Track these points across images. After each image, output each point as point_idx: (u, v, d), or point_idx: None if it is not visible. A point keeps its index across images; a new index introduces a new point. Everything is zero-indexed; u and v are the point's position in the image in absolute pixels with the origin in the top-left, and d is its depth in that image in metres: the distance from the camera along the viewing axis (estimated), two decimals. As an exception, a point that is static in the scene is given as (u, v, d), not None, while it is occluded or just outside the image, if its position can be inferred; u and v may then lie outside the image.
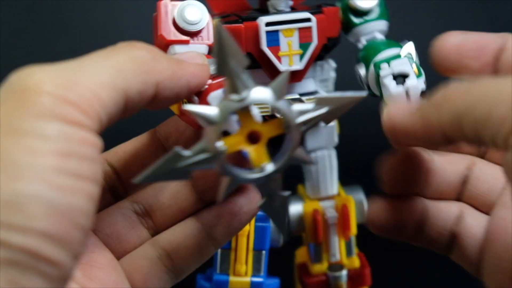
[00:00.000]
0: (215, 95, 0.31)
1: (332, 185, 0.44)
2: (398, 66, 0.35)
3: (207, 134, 0.29)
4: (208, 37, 0.36)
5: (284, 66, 0.38)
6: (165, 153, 0.32)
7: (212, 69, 0.32)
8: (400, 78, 0.35)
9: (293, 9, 0.39)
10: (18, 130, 0.23)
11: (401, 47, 0.37)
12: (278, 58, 0.37)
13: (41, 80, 0.24)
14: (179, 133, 0.35)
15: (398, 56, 0.36)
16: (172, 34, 0.35)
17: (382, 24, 0.41)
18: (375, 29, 0.40)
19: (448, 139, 0.27)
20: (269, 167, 0.30)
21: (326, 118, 0.31)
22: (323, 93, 0.40)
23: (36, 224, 0.21)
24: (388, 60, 0.36)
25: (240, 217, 0.33)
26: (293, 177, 0.39)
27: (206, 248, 0.33)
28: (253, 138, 0.30)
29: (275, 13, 0.38)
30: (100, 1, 0.69)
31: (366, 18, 0.40)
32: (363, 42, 0.40)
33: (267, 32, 0.37)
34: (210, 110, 0.29)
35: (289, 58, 0.38)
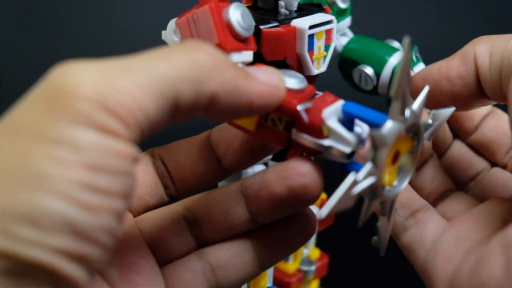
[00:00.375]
0: (331, 112, 0.29)
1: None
2: None
3: (379, 157, 0.27)
4: (253, 42, 0.32)
5: (315, 70, 0.36)
6: (215, 160, 0.32)
7: (294, 83, 0.29)
8: None
9: (300, 10, 0.37)
10: (46, 136, 0.21)
11: (394, 49, 0.40)
12: (312, 61, 0.36)
13: (81, 82, 0.21)
14: (228, 143, 0.32)
15: (413, 62, 0.39)
16: (231, 41, 0.30)
17: (349, 20, 0.43)
18: (346, 25, 0.42)
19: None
20: (403, 185, 0.30)
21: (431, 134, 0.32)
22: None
23: (52, 241, 0.20)
24: (412, 66, 0.38)
25: (293, 243, 0.32)
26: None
27: (253, 269, 0.32)
28: (395, 156, 0.29)
29: (291, 15, 0.36)
30: (100, 1, 0.64)
31: (343, 16, 0.41)
32: (337, 37, 0.41)
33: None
34: (378, 134, 0.27)
35: (318, 61, 0.36)
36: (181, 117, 0.24)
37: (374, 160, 0.27)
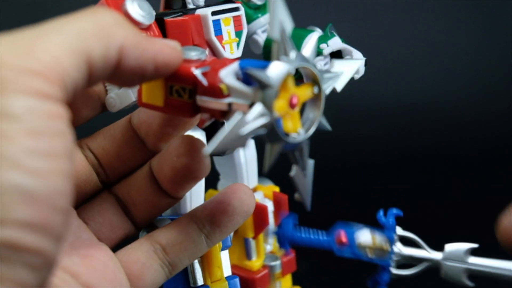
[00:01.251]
0: (228, 72, 0.30)
1: (255, 178, 0.45)
2: (337, 45, 0.40)
3: (266, 97, 0.28)
4: (157, 30, 0.34)
5: (227, 54, 0.38)
6: (139, 142, 0.34)
7: (193, 54, 0.30)
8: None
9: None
10: None
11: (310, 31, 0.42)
12: (223, 47, 0.37)
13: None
14: (147, 125, 0.34)
15: (328, 37, 0.40)
16: None
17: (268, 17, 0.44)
18: (266, 21, 0.44)
19: None
20: (310, 131, 0.30)
21: (338, 83, 0.32)
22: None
23: (14, 215, 0.20)
24: (326, 41, 0.40)
25: (233, 217, 0.33)
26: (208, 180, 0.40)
27: (200, 245, 0.34)
28: (292, 101, 0.30)
29: (198, 7, 0.38)
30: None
31: (261, 12, 0.43)
32: (259, 34, 0.43)
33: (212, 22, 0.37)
34: (262, 74, 0.28)
35: (230, 46, 0.38)
36: (95, 75, 0.25)
37: (263, 101, 0.27)
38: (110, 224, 0.35)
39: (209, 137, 0.39)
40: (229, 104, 0.29)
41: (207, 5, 0.38)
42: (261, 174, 0.47)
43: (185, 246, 0.33)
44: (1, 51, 0.22)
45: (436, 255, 0.42)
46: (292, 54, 0.29)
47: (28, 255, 0.21)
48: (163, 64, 0.28)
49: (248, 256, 0.45)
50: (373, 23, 0.79)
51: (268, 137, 0.28)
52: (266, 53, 0.43)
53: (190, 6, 0.38)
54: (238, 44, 0.38)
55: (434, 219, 0.69)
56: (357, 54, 0.40)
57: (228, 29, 0.38)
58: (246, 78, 0.30)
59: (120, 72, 0.26)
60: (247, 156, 0.44)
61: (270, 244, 0.46)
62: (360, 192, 0.66)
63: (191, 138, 0.33)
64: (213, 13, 0.37)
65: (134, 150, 0.35)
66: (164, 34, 0.35)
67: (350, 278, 0.54)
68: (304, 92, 0.30)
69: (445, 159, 0.79)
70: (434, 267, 0.42)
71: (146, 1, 0.33)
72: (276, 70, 0.28)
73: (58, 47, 0.23)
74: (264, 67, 0.29)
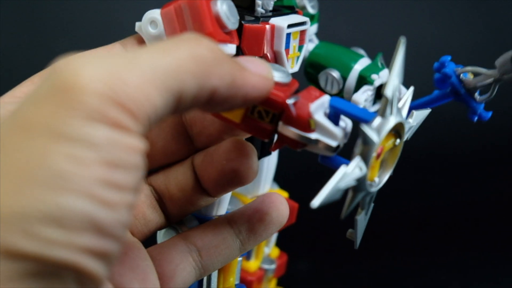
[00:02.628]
0: (318, 106, 0.30)
1: (270, 182, 0.45)
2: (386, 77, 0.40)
3: (368, 152, 0.28)
4: (236, 36, 0.33)
5: (289, 69, 0.37)
6: (187, 138, 0.34)
7: (279, 76, 0.30)
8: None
9: (273, 10, 0.38)
10: (62, 134, 0.20)
11: (359, 55, 0.42)
12: (287, 60, 0.37)
13: (90, 76, 0.21)
14: (204, 126, 0.34)
15: (378, 68, 0.40)
16: (219, 33, 0.31)
17: (316, 27, 0.44)
18: (313, 32, 0.43)
19: None
20: (383, 180, 0.31)
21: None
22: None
23: (79, 241, 0.20)
24: (377, 72, 0.40)
25: (269, 227, 0.34)
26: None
27: (234, 250, 0.34)
28: (379, 152, 0.30)
29: (266, 12, 0.37)
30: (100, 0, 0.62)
31: (312, 21, 0.43)
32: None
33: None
34: (370, 131, 0.28)
35: (292, 60, 0.37)
36: (181, 110, 0.25)
37: (363, 155, 0.28)
38: (144, 218, 0.34)
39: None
40: (314, 140, 0.29)
41: (275, 11, 0.37)
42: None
43: (220, 250, 0.33)
44: (92, 76, 0.21)
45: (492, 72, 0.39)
46: (395, 111, 0.29)
47: (85, 278, 0.21)
48: (253, 98, 0.27)
49: (247, 257, 0.45)
50: (373, 23, 0.79)
51: (356, 188, 0.28)
52: (309, 64, 0.42)
53: (259, 8, 0.37)
54: (297, 59, 0.38)
55: (436, 219, 0.71)
56: (404, 89, 0.41)
57: (294, 43, 0.37)
58: (333, 115, 0.30)
59: (207, 107, 0.26)
60: (270, 161, 0.44)
61: (269, 247, 0.47)
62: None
63: (242, 143, 0.32)
64: (289, 26, 0.36)
65: (180, 146, 0.34)
66: (239, 36, 0.34)
67: (350, 278, 0.55)
68: (387, 142, 0.31)
69: (445, 159, 0.81)
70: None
71: (235, 6, 0.32)
72: (382, 128, 0.28)
73: (151, 83, 0.22)
74: (360, 113, 0.29)
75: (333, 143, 0.29)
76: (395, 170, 0.32)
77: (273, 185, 0.47)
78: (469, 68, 0.39)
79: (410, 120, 0.32)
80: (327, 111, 0.30)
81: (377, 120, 0.28)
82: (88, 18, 0.69)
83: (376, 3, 0.78)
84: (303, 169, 0.47)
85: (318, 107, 0.29)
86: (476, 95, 0.40)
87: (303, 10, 0.42)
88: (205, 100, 0.25)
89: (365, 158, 0.27)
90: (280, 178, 0.47)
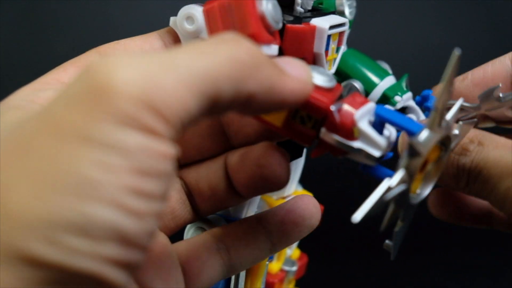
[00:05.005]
0: (363, 114, 0.29)
1: (296, 183, 0.44)
2: (408, 100, 0.40)
3: (413, 165, 0.27)
4: (278, 37, 0.32)
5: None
6: (223, 136, 0.33)
7: (323, 80, 0.29)
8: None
9: (314, 10, 0.37)
10: (92, 139, 0.20)
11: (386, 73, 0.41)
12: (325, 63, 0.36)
13: (125, 79, 0.20)
14: (241, 126, 0.33)
15: (403, 90, 0.40)
16: (263, 33, 0.30)
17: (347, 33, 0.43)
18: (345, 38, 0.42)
19: None
20: (425, 192, 0.30)
21: None
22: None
23: (102, 250, 0.20)
24: (402, 94, 0.39)
25: (301, 229, 0.33)
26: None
27: (263, 251, 0.33)
28: (424, 165, 0.30)
29: (304, 12, 0.36)
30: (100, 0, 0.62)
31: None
32: None
33: (326, 36, 0.35)
34: (418, 143, 0.27)
35: (329, 63, 0.36)
36: (216, 114, 0.24)
37: (408, 168, 0.27)
38: (172, 213, 0.34)
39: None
40: (357, 149, 0.28)
41: (314, 11, 0.36)
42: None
43: (250, 250, 0.33)
44: (127, 79, 0.20)
45: None
46: (443, 124, 0.28)
47: (104, 287, 0.20)
48: (291, 103, 0.26)
49: (270, 258, 0.45)
50: (374, 23, 0.79)
51: (397, 200, 0.28)
52: (335, 70, 0.42)
53: (298, 7, 0.36)
54: (334, 61, 0.37)
55: (436, 219, 0.71)
56: (422, 115, 0.40)
57: (333, 45, 0.36)
58: (377, 123, 0.29)
59: (243, 111, 0.26)
60: (298, 163, 0.43)
61: (291, 249, 0.47)
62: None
63: (275, 149, 0.32)
64: (330, 27, 0.35)
65: (215, 143, 0.34)
66: (281, 37, 0.33)
67: (350, 278, 0.55)
68: (434, 155, 0.30)
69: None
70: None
71: (279, 6, 0.31)
72: (429, 141, 0.27)
73: (187, 88, 0.21)
74: (407, 124, 0.28)
75: (376, 153, 0.28)
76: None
77: (297, 186, 0.46)
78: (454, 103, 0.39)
79: (456, 131, 0.31)
80: (372, 118, 0.29)
81: (425, 133, 0.27)
82: (88, 18, 0.68)
83: (375, 3, 0.77)
84: (324, 169, 0.46)
85: (363, 114, 0.29)
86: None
87: (341, 15, 0.41)
88: (241, 104, 0.24)
89: (410, 172, 0.27)
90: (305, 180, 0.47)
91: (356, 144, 0.28)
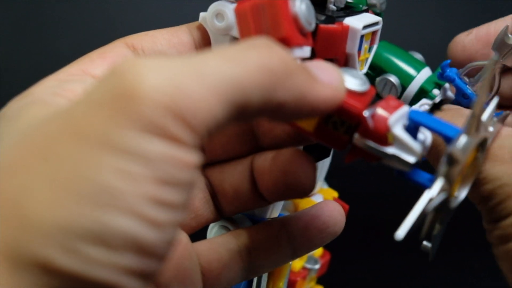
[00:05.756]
0: (396, 119, 0.28)
1: (322, 180, 0.44)
2: (449, 92, 0.39)
3: (452, 174, 0.26)
4: (311, 38, 0.31)
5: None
6: (251, 135, 0.32)
7: (357, 83, 0.28)
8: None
9: (346, 8, 0.36)
10: (114, 145, 0.19)
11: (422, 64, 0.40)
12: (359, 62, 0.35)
13: (150, 85, 0.20)
14: (271, 127, 0.32)
15: (441, 82, 0.39)
16: (296, 36, 0.29)
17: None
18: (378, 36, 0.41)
19: None
20: (462, 194, 0.30)
21: None
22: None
23: (120, 261, 0.19)
24: (439, 87, 0.39)
25: (324, 235, 0.33)
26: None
27: (285, 255, 0.33)
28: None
29: (337, 10, 0.35)
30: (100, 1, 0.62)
31: None
32: None
33: (359, 36, 0.34)
34: (456, 150, 0.26)
35: (361, 63, 0.35)
36: (244, 121, 0.24)
37: (447, 176, 0.26)
38: (195, 212, 0.33)
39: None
40: (391, 155, 0.27)
41: (347, 11, 0.35)
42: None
43: (271, 253, 0.32)
44: (154, 85, 0.20)
45: None
46: (481, 128, 0.27)
47: None
48: (322, 110, 0.26)
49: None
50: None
51: (438, 208, 0.27)
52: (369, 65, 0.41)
53: (331, 5, 0.34)
54: (367, 61, 0.36)
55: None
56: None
57: (366, 44, 0.35)
58: (412, 128, 0.28)
59: (272, 118, 0.25)
60: (324, 161, 0.42)
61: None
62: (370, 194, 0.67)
63: (302, 155, 0.31)
64: (363, 27, 0.34)
65: (243, 143, 0.33)
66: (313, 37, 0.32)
67: (372, 276, 0.55)
68: (471, 156, 0.29)
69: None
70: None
71: (312, 7, 0.30)
72: (467, 147, 0.26)
73: (215, 95, 0.20)
74: (444, 129, 0.27)
75: (411, 159, 0.27)
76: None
77: (323, 184, 0.46)
78: (469, 64, 0.38)
79: (491, 129, 0.30)
80: (406, 123, 0.28)
81: (463, 139, 0.26)
82: (88, 18, 0.68)
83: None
84: (349, 166, 0.46)
85: (397, 119, 0.28)
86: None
87: (372, 8, 0.39)
88: (271, 112, 0.23)
89: (450, 180, 0.26)
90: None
91: (390, 150, 0.27)
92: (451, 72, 0.38)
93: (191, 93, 0.20)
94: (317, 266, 0.45)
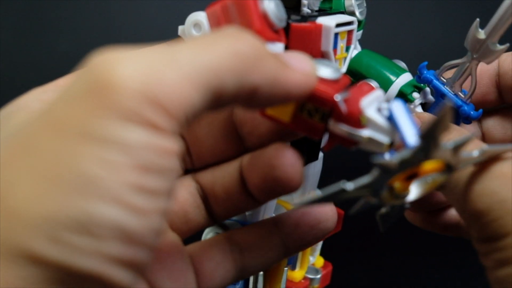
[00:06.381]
0: (369, 101, 0.28)
1: (315, 188, 0.44)
2: (430, 95, 0.39)
3: (377, 178, 0.26)
4: (283, 35, 0.32)
5: (337, 70, 0.36)
6: (237, 137, 0.33)
7: (329, 72, 0.29)
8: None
9: (321, 11, 0.37)
10: (93, 135, 0.19)
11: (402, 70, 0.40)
12: (335, 61, 0.36)
13: (126, 74, 0.20)
14: (254, 126, 0.32)
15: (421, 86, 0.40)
16: (267, 31, 0.30)
17: (360, 34, 0.43)
18: (357, 38, 0.42)
19: None
20: (411, 197, 0.28)
21: None
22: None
23: (105, 250, 0.19)
24: (419, 90, 0.39)
25: (316, 232, 0.33)
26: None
27: (277, 253, 0.33)
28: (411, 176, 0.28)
29: (313, 13, 0.36)
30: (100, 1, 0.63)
31: (358, 27, 0.41)
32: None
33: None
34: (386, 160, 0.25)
35: (339, 62, 0.36)
36: (220, 107, 0.24)
37: (373, 181, 0.26)
38: (185, 216, 0.33)
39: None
40: (366, 138, 0.28)
41: (321, 11, 0.36)
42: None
43: (264, 252, 0.32)
44: (129, 74, 0.20)
45: None
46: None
47: (107, 287, 0.20)
48: (295, 95, 0.26)
49: (292, 266, 0.44)
50: (374, 23, 0.78)
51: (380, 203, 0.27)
52: (349, 71, 0.41)
53: (305, 8, 0.36)
54: (345, 60, 0.37)
55: None
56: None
57: (342, 43, 0.36)
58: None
59: (248, 104, 0.25)
60: (315, 167, 0.43)
61: (314, 256, 0.46)
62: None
63: (287, 150, 0.31)
64: (336, 26, 0.34)
65: (230, 145, 0.33)
66: (286, 36, 0.33)
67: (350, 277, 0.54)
68: (431, 168, 0.27)
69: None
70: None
71: (282, 4, 0.31)
72: (391, 163, 0.25)
73: (190, 81, 0.21)
74: (404, 133, 0.27)
75: (385, 139, 0.27)
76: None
77: (316, 192, 0.46)
78: (445, 64, 0.39)
79: (474, 153, 0.28)
80: (382, 106, 0.28)
81: (395, 155, 0.25)
82: (88, 18, 0.69)
83: (374, 2, 0.77)
84: (343, 174, 0.46)
85: (370, 102, 0.28)
86: (461, 94, 0.39)
87: (351, 16, 0.40)
88: (245, 97, 0.24)
89: (382, 183, 0.26)
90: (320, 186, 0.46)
91: (365, 132, 0.28)
92: (428, 73, 0.39)
93: (166, 80, 0.20)
94: (318, 276, 0.45)
